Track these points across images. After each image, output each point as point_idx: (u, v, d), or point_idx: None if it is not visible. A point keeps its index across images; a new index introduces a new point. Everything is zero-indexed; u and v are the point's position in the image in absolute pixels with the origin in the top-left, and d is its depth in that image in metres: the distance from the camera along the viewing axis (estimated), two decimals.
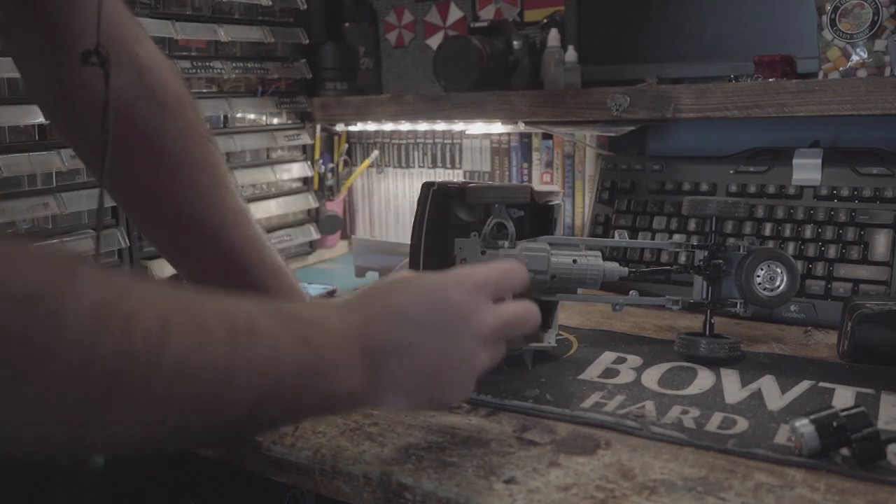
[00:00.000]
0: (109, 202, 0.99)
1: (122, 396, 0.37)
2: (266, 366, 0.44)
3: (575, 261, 0.77)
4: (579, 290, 0.80)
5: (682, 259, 1.01)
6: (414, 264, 0.79)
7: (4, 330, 0.33)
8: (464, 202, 0.77)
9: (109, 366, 0.36)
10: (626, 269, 0.79)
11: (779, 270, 0.78)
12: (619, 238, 0.83)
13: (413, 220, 0.80)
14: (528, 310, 0.59)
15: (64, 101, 0.72)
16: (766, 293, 0.78)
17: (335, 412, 0.62)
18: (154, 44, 0.75)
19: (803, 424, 0.56)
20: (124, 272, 0.44)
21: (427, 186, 0.79)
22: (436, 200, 0.78)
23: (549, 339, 0.79)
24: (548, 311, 0.82)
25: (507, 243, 0.77)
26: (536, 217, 0.81)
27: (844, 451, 0.56)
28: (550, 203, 0.80)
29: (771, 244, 0.97)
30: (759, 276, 0.78)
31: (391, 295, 0.54)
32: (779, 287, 0.78)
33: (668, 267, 0.88)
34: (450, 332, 0.54)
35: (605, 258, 0.79)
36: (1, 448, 0.38)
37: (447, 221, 0.79)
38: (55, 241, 0.98)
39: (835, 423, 0.55)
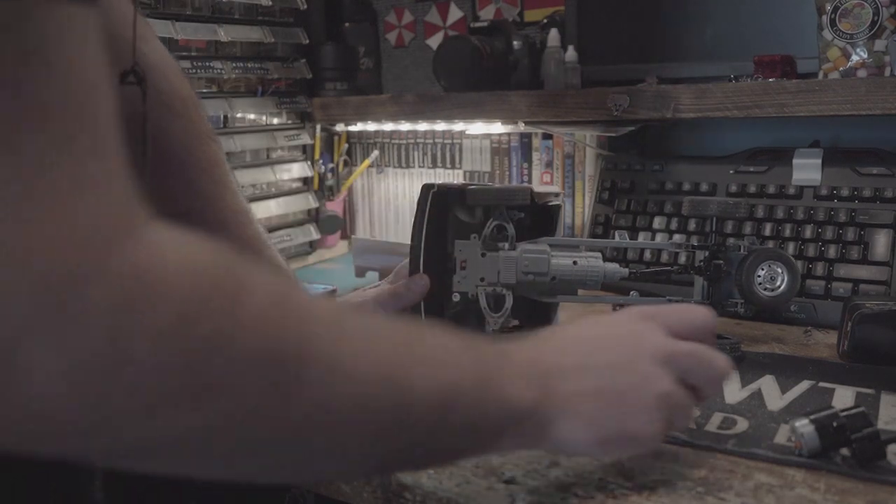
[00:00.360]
0: None
1: (300, 388, 0.34)
2: (443, 367, 0.41)
3: (575, 262, 0.77)
4: (580, 291, 0.80)
5: (682, 259, 1.01)
6: (414, 266, 0.79)
7: (190, 318, 0.31)
8: (464, 204, 0.77)
9: (287, 353, 0.34)
10: (627, 269, 0.79)
11: (779, 270, 0.78)
12: (620, 238, 0.83)
13: (413, 221, 0.80)
14: (708, 352, 0.52)
15: None
16: (766, 293, 0.78)
17: (511, 441, 0.46)
18: (161, 43, 0.75)
19: (803, 424, 0.56)
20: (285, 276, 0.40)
21: (427, 188, 0.79)
22: (436, 202, 0.78)
23: None
24: (548, 312, 0.82)
25: (507, 245, 0.77)
26: (537, 218, 0.81)
27: (844, 451, 0.56)
28: (551, 204, 0.81)
29: (771, 244, 0.97)
30: (759, 276, 0.78)
31: (552, 330, 0.53)
32: (779, 287, 0.78)
33: (669, 267, 0.88)
34: (624, 354, 0.50)
35: (605, 259, 0.79)
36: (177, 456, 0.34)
37: (447, 223, 0.79)
38: None
39: (835, 423, 0.55)
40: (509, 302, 0.77)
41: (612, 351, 0.50)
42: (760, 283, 0.78)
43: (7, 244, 0.27)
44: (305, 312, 0.36)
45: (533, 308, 0.81)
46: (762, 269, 0.78)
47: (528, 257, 0.76)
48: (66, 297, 0.27)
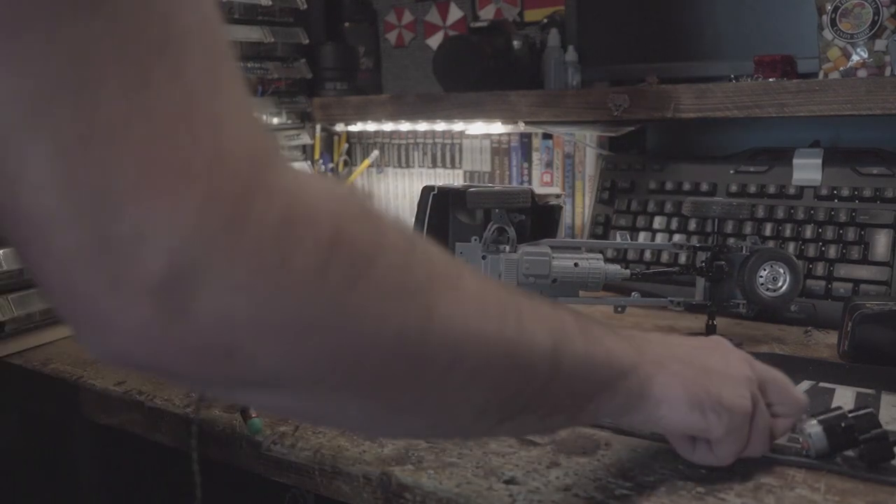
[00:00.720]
0: None
1: (441, 311, 0.35)
2: (550, 318, 0.42)
3: (576, 264, 0.77)
4: (581, 293, 0.80)
5: (683, 259, 1.01)
6: None
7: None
8: (464, 206, 0.77)
9: (426, 280, 0.35)
10: (628, 271, 0.79)
11: (781, 271, 0.78)
12: (621, 239, 0.83)
13: (413, 223, 0.80)
14: (789, 382, 0.55)
15: None
16: (768, 293, 0.78)
17: (620, 391, 0.47)
18: None
19: (811, 425, 0.56)
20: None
21: (427, 190, 0.79)
22: (436, 204, 0.78)
23: None
24: None
25: (507, 247, 0.77)
26: (539, 219, 0.81)
27: (848, 452, 0.56)
28: (551, 204, 0.80)
29: (771, 244, 0.97)
30: (761, 277, 0.78)
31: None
32: (781, 287, 0.78)
33: (671, 268, 0.88)
34: (711, 348, 0.54)
35: (606, 260, 0.79)
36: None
37: (448, 225, 0.79)
38: None
39: (843, 424, 0.55)
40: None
41: (703, 354, 0.52)
42: (762, 284, 0.78)
43: (175, 161, 0.27)
44: (431, 255, 0.37)
45: None
46: (764, 270, 0.78)
47: (529, 259, 0.76)
48: (235, 212, 0.28)
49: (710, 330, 0.81)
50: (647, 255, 1.05)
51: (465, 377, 0.37)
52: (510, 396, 0.41)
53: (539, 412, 0.44)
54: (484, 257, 0.77)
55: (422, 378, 0.36)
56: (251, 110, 0.31)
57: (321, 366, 0.32)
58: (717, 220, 0.81)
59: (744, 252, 0.79)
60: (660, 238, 1.06)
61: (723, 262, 0.79)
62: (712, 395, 0.49)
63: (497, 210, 0.77)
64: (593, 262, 0.77)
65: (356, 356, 0.33)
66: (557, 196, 0.81)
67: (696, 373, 0.50)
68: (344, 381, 0.34)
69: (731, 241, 0.85)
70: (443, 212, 0.79)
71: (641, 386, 0.47)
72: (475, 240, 0.77)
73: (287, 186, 0.30)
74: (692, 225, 1.04)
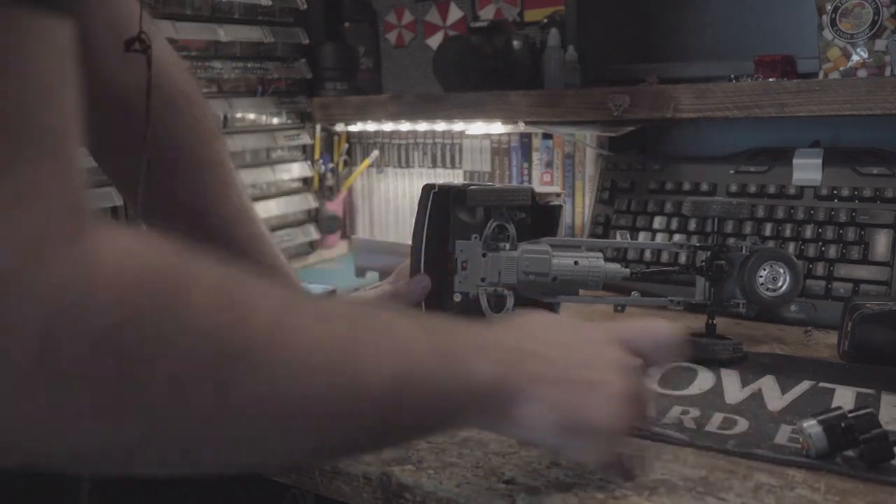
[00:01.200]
0: (112, 203, 0.99)
1: (244, 385, 0.34)
2: (396, 349, 0.41)
3: (576, 262, 0.77)
4: (581, 292, 0.80)
5: (683, 259, 1.01)
6: (415, 266, 0.79)
7: (125, 315, 0.31)
8: (464, 204, 0.77)
9: (230, 350, 0.34)
10: (628, 270, 0.79)
11: (781, 271, 0.78)
12: (621, 238, 0.83)
13: (414, 221, 0.80)
14: (646, 391, 0.54)
15: (95, 90, 0.72)
16: (768, 293, 0.78)
17: (473, 417, 0.47)
18: (166, 41, 0.75)
19: (811, 425, 0.56)
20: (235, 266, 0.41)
21: (428, 188, 0.79)
22: (437, 202, 0.78)
23: None
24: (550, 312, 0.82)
25: (507, 245, 0.77)
26: (539, 218, 0.81)
27: (848, 452, 0.56)
28: (552, 203, 0.80)
29: (771, 244, 0.97)
30: (761, 277, 0.78)
31: (519, 318, 0.52)
32: (781, 287, 0.78)
33: (671, 268, 0.88)
34: (587, 349, 0.51)
35: (606, 259, 0.79)
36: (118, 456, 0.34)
37: (448, 223, 0.79)
38: None
39: (843, 424, 0.55)
40: (510, 302, 0.77)
41: (573, 348, 0.50)
42: (762, 284, 0.78)
43: None
44: (249, 310, 0.35)
45: (535, 308, 0.81)
46: (764, 270, 0.78)
47: (529, 257, 0.76)
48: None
49: (709, 330, 0.81)
50: (647, 255, 1.05)
51: (287, 432, 0.37)
52: (346, 435, 0.40)
53: (389, 440, 0.45)
54: (484, 255, 0.77)
55: (239, 439, 0.36)
56: (56, 190, 0.30)
57: (117, 448, 0.33)
58: (716, 220, 0.81)
59: (744, 252, 0.79)
60: (660, 238, 1.06)
61: (723, 262, 0.79)
62: (583, 420, 0.47)
63: (497, 208, 0.77)
64: (593, 261, 0.77)
65: (152, 436, 0.33)
66: (558, 195, 0.81)
67: (568, 393, 0.47)
68: (156, 459, 0.35)
69: (731, 240, 0.85)
70: (443, 210, 0.78)
71: (504, 408, 0.46)
72: (475, 238, 0.77)
73: (67, 276, 0.29)
74: (692, 225, 1.04)
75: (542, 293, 0.77)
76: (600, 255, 0.78)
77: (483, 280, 0.78)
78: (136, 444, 0.33)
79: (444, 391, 0.43)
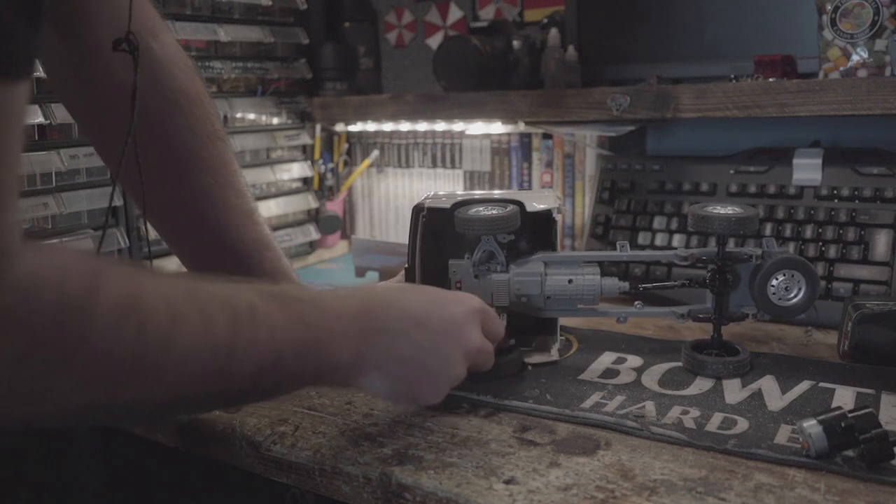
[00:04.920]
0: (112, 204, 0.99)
1: (139, 379, 0.43)
2: (266, 344, 0.49)
3: (570, 280, 0.75)
4: (580, 305, 0.79)
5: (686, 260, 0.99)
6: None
7: (41, 325, 0.38)
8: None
9: (128, 356, 0.42)
10: (627, 283, 0.76)
11: (795, 279, 0.74)
12: (621, 249, 0.80)
13: (408, 241, 0.79)
14: (491, 355, 0.65)
15: (87, 89, 0.72)
16: (781, 303, 0.74)
17: (328, 384, 0.65)
18: (172, 38, 0.75)
19: (811, 425, 0.56)
20: (139, 267, 0.55)
21: (417, 211, 0.78)
22: (426, 225, 0.78)
23: (552, 353, 0.79)
24: (548, 325, 0.81)
25: (498, 267, 0.76)
26: (534, 229, 0.79)
27: (848, 451, 0.56)
28: (547, 218, 0.78)
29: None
30: (773, 286, 0.74)
31: (396, 291, 0.60)
32: (795, 297, 0.73)
33: (673, 283, 0.82)
34: (441, 337, 0.59)
35: (604, 268, 0.76)
36: (49, 416, 0.43)
37: (441, 241, 0.78)
38: (55, 241, 0.98)
39: (843, 424, 0.55)
40: (504, 321, 0.76)
41: (431, 331, 0.59)
42: (774, 293, 0.75)
43: None
44: (148, 319, 0.43)
45: (533, 322, 0.80)
46: (776, 280, 0.75)
47: (520, 280, 0.75)
48: None
49: (714, 342, 0.78)
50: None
51: (169, 392, 0.46)
52: (201, 406, 0.57)
53: (247, 401, 0.62)
54: (476, 276, 0.76)
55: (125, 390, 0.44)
56: None
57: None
58: (719, 235, 0.77)
59: (753, 261, 0.75)
60: (660, 238, 1.06)
61: (728, 276, 0.76)
62: (412, 397, 0.60)
63: (484, 237, 0.75)
64: (588, 278, 0.75)
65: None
66: (558, 211, 0.78)
67: (407, 378, 0.58)
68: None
69: (733, 248, 0.80)
70: (434, 231, 0.78)
71: (351, 378, 0.56)
72: (467, 257, 0.76)
73: None
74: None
75: (537, 311, 0.77)
76: (597, 269, 0.76)
77: None
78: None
79: (299, 379, 0.54)
